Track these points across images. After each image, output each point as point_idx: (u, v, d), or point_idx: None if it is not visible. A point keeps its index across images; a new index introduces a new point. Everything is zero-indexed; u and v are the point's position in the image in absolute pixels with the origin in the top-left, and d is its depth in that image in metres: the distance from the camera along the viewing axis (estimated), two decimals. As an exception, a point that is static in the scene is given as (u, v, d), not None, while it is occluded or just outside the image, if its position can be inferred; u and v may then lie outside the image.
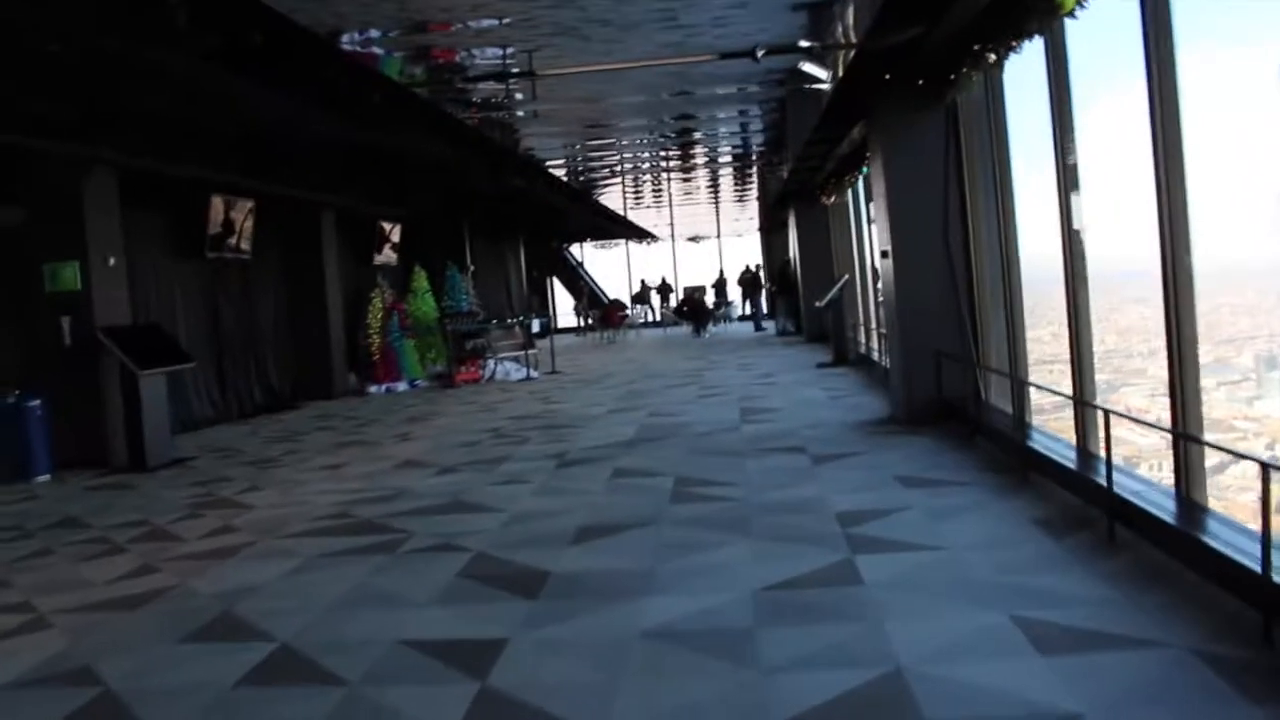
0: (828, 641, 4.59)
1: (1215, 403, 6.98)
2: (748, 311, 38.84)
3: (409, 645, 4.91)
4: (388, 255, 22.01)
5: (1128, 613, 4.72)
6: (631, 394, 15.87)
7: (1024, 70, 8.57)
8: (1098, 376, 7.80)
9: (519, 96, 18.84)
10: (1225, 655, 4.14)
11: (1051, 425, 8.86)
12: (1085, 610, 4.78)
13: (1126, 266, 8.14)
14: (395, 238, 22.18)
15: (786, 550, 6.14)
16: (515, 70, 15.71)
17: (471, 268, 25.60)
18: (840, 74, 10.66)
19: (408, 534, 7.24)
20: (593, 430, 11.96)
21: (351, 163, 16.69)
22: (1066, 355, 7.93)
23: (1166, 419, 6.11)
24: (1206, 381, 6.09)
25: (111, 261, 12.27)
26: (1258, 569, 4.41)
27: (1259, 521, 4.45)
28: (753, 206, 43.58)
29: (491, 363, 20.75)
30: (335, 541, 7.21)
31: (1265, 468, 4.27)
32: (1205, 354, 6.03)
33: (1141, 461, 7.40)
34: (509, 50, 15.41)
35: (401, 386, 20.11)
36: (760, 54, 10.85)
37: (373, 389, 19.65)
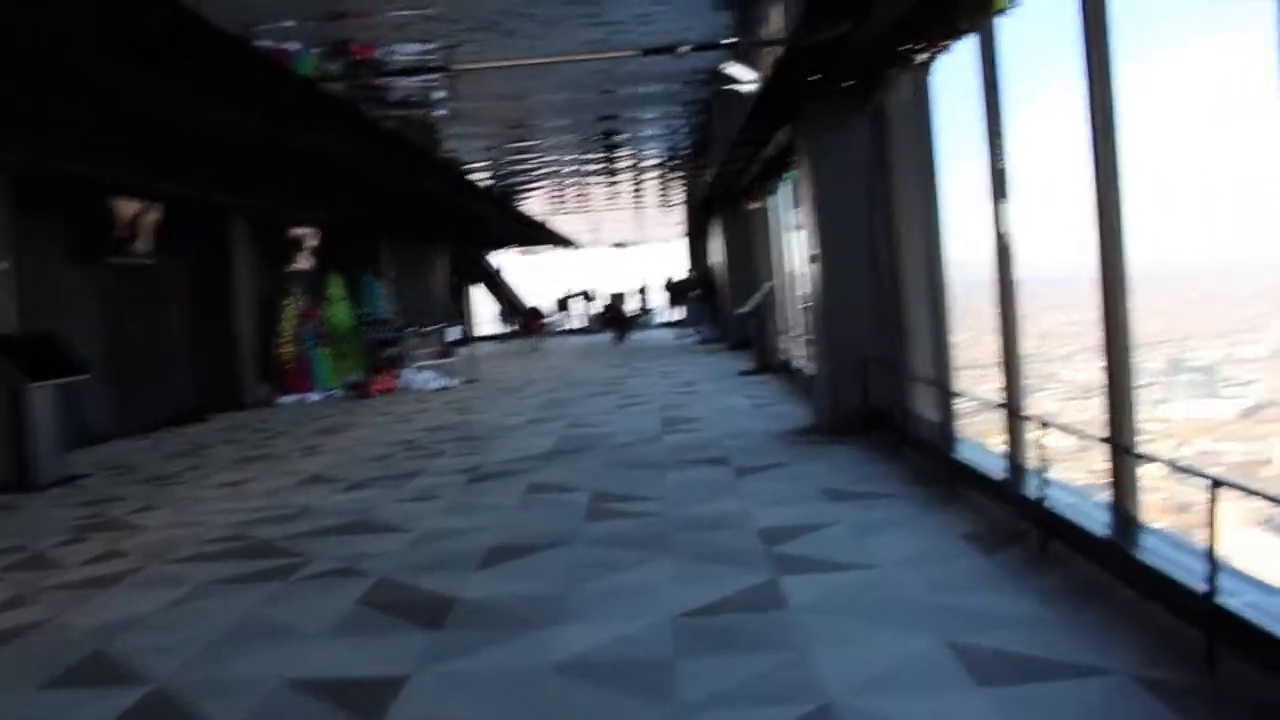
0: (751, 673, 4.26)
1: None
2: (673, 318, 38.65)
3: (298, 685, 4.48)
4: (303, 261, 21.32)
5: (1066, 635, 4.46)
6: (551, 403, 15.48)
7: (954, 72, 8.38)
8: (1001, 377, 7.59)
9: (439, 95, 18.38)
10: (1168, 681, 3.90)
11: (972, 429, 8.66)
12: (1022, 633, 4.51)
13: (1045, 273, 8.00)
14: (311, 243, 21.50)
15: (708, 571, 5.80)
16: (432, 64, 15.24)
17: (390, 274, 25.02)
18: (767, 75, 10.40)
19: (306, 558, 6.77)
20: (510, 442, 11.55)
21: (264, 164, 16.06)
22: (983, 360, 7.74)
23: (1079, 423, 5.91)
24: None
25: (4, 265, 11.60)
26: (1200, 588, 4.17)
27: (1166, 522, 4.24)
28: (678, 212, 43.39)
29: (408, 372, 20.22)
30: (227, 567, 6.72)
31: (1215, 484, 4.03)
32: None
33: (1056, 464, 7.20)
34: (430, 46, 14.95)
35: (315, 397, 19.48)
36: (683, 50, 10.56)
37: (285, 399, 19.01)
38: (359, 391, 19.67)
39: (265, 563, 6.71)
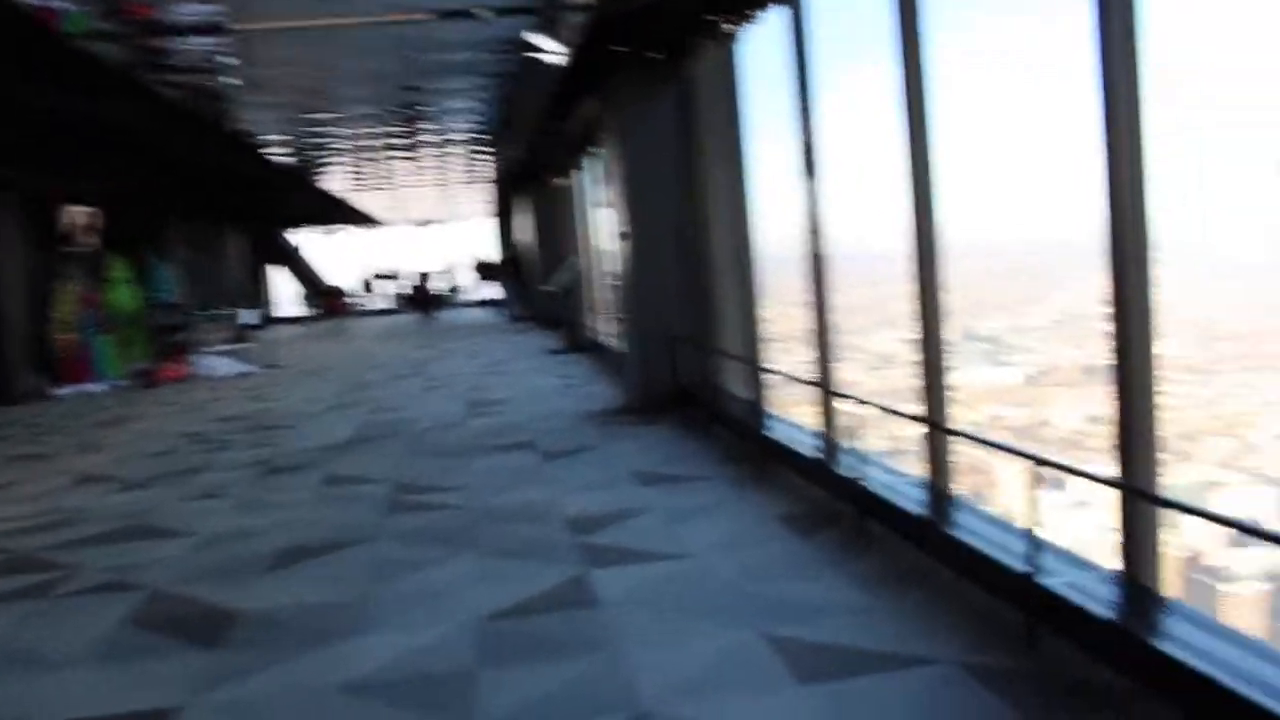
0: (561, 681, 3.95)
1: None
2: (484, 297, 38.04)
3: (48, 723, 3.95)
4: (81, 241, 19.79)
5: (887, 623, 4.33)
6: (354, 387, 14.82)
7: (765, 45, 8.22)
8: (812, 353, 7.53)
9: (229, 60, 17.24)
10: (993, 666, 3.80)
11: (785, 405, 8.60)
12: (842, 622, 4.35)
13: (846, 248, 7.97)
14: (90, 222, 19.96)
15: (515, 567, 5.47)
16: (215, 23, 14.22)
17: (179, 255, 23.61)
18: (573, 45, 10.07)
19: (70, 570, 6.07)
20: (307, 430, 10.91)
21: (33, 134, 14.75)
22: (792, 335, 7.66)
23: (879, 391, 5.86)
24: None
25: None
26: (1019, 568, 4.09)
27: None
28: (486, 189, 42.62)
29: (200, 358, 19.10)
30: (-23, 583, 5.99)
31: (1036, 463, 3.94)
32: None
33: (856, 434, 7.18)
34: (215, 6, 13.91)
35: (97, 387, 18.13)
36: (482, 13, 10.09)
37: (62, 391, 17.65)
38: (146, 380, 18.41)
39: (22, 579, 5.99)
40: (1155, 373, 3.93)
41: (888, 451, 8.40)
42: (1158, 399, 3.94)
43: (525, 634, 4.49)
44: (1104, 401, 4.14)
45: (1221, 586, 7.83)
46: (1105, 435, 4.12)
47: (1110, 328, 4.00)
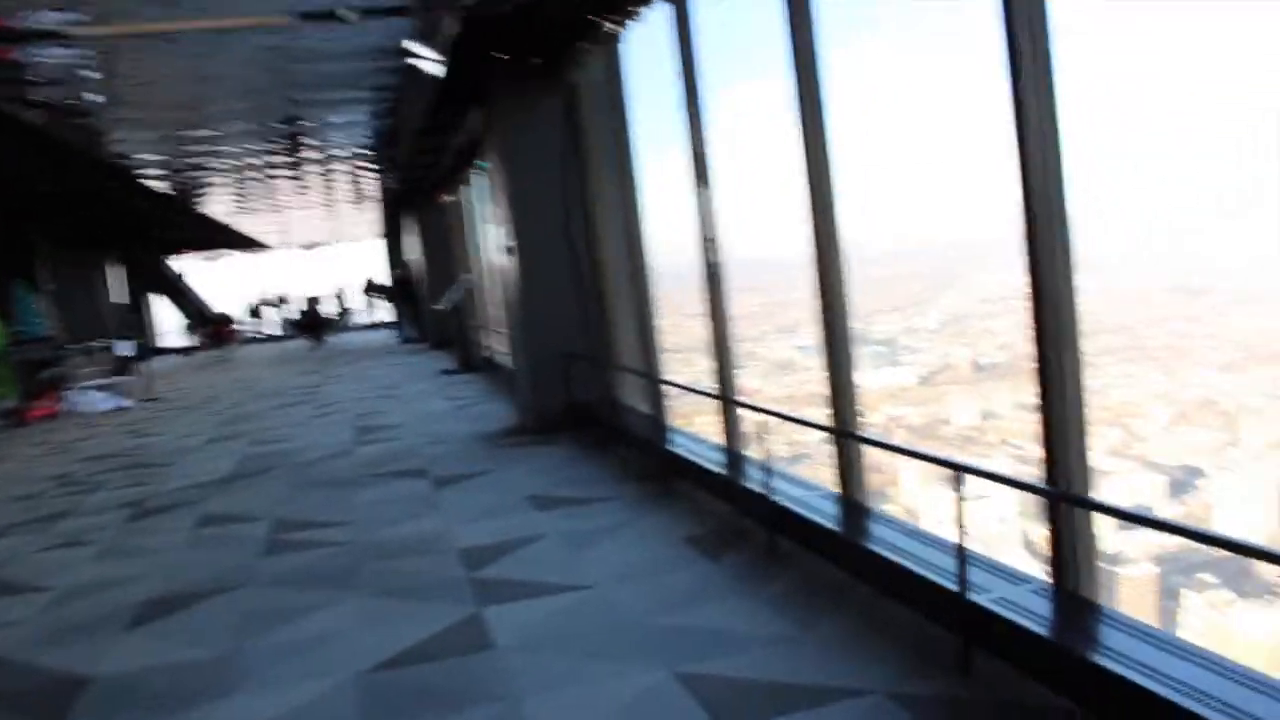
0: (453, 740, 3.56)
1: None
2: (376, 319, 37.23)
3: None
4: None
5: (809, 652, 4.02)
6: (237, 418, 14.11)
7: (654, 51, 7.92)
8: (712, 363, 7.25)
9: (94, 76, 16.33)
10: (925, 695, 3.54)
11: (686, 419, 8.33)
12: (760, 654, 4.04)
13: (739, 256, 7.75)
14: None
15: (402, 608, 5.05)
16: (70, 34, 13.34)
17: (49, 286, 22.47)
18: (449, 52, 9.62)
19: (-98, 639, 5.48)
20: (185, 467, 10.25)
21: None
22: (688, 345, 7.41)
23: (779, 398, 5.62)
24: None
25: None
26: (947, 585, 3.82)
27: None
28: (374, 208, 41.73)
29: (74, 394, 18.14)
30: None
31: (958, 471, 3.66)
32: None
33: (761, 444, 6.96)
34: (75, 15, 13.02)
35: (-41, 428, 17.10)
36: (346, 14, 9.58)
37: (-80, 434, 16.58)
38: (14, 420, 17.41)
39: None
40: (1081, 379, 3.70)
41: (790, 458, 8.18)
42: (1085, 404, 3.71)
43: (413, 687, 4.08)
44: (995, 398, 3.97)
45: (1117, 570, 7.85)
46: (1001, 431, 3.95)
47: (1032, 334, 3.77)
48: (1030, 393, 3.82)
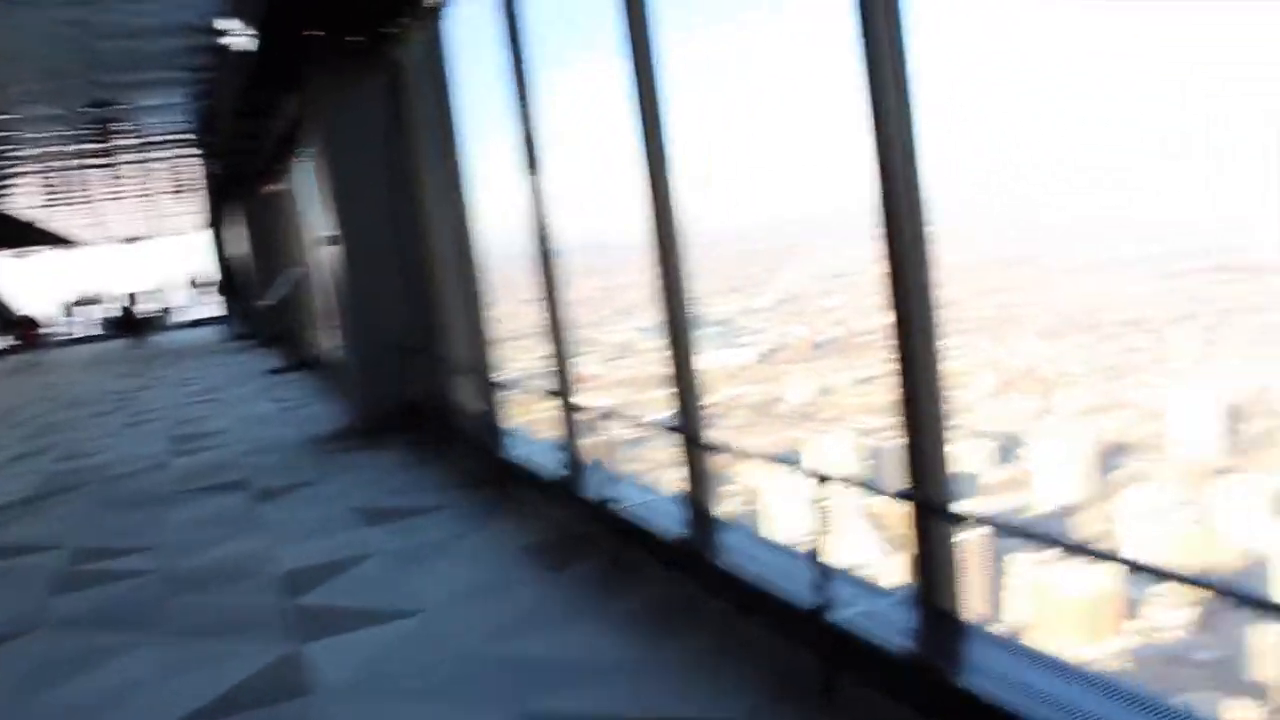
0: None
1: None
2: (203, 316, 35.62)
3: None
4: None
5: (662, 680, 3.69)
6: (42, 430, 13.03)
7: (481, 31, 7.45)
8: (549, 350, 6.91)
9: None
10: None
11: (528, 417, 7.93)
12: (610, 684, 3.70)
13: (580, 240, 7.43)
14: None
15: (212, 650, 4.50)
16: None
17: None
18: (261, 29, 8.95)
19: None
20: (-26, 489, 9.33)
21: None
22: (526, 332, 7.06)
23: (618, 382, 5.31)
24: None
25: None
26: (807, 601, 3.54)
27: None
28: (197, 199, 39.86)
29: None
30: None
31: (821, 480, 3.37)
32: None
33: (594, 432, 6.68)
34: None
35: None
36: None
37: None
38: None
39: None
40: (942, 384, 3.45)
41: (634, 440, 7.85)
42: (946, 409, 3.47)
43: (218, 748, 3.59)
44: (832, 375, 3.73)
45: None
46: (836, 406, 3.71)
47: (892, 339, 3.50)
48: (865, 367, 3.60)
